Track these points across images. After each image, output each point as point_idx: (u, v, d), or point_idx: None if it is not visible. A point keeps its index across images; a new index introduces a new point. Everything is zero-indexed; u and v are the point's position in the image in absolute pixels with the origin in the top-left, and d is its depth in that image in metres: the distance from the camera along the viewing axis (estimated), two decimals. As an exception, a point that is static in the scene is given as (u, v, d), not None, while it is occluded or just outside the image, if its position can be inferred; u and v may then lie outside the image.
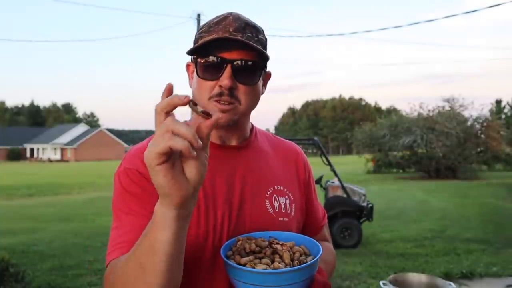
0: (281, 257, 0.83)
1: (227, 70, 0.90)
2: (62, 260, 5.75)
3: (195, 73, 0.96)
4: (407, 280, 1.48)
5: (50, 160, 60.99)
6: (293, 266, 0.81)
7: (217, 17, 0.96)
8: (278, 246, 0.86)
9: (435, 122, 18.87)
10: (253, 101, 0.97)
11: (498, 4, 9.32)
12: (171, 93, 0.64)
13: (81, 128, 67.69)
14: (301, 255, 0.86)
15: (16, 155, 62.96)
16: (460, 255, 5.86)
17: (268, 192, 1.01)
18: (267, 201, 1.00)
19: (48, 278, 4.93)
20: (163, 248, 0.67)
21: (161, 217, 0.66)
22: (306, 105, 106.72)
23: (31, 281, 4.53)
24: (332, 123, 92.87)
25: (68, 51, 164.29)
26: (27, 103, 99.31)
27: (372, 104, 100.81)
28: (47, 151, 64.24)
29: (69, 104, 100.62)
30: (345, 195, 6.79)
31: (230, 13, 0.96)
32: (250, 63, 0.92)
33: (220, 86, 0.91)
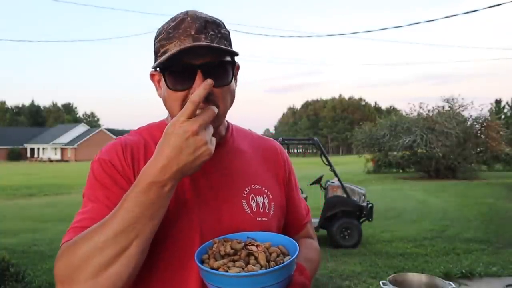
0: (256, 258, 0.81)
1: (198, 77, 0.85)
2: (63, 260, 5.75)
3: (163, 83, 0.91)
4: (407, 280, 1.49)
5: (50, 160, 61.01)
6: (268, 268, 0.79)
7: (173, 19, 0.90)
8: (254, 248, 0.83)
9: (435, 122, 18.86)
10: (230, 101, 0.94)
11: (498, 4, 9.28)
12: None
13: (81, 128, 67.73)
14: (278, 256, 0.83)
15: (17, 155, 62.97)
16: (460, 255, 5.87)
17: (245, 192, 0.99)
18: (244, 201, 0.97)
19: (48, 278, 4.92)
20: (161, 215, 0.78)
21: (171, 191, 0.76)
22: (306, 105, 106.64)
23: (32, 281, 4.53)
24: (332, 123, 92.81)
25: (68, 51, 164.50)
26: (27, 103, 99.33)
27: (372, 104, 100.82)
28: (48, 151, 64.25)
29: (69, 104, 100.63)
30: (345, 195, 6.80)
31: (187, 13, 0.89)
32: (220, 63, 0.88)
33: None
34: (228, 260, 0.80)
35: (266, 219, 0.98)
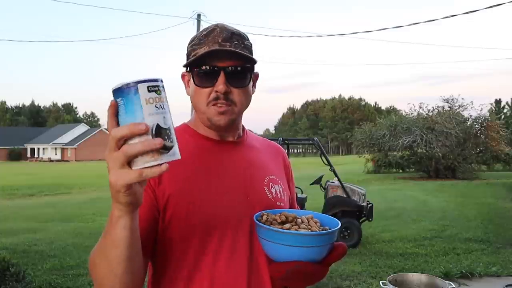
0: (308, 225, 0.96)
1: (221, 77, 1.01)
2: (63, 260, 5.76)
3: (191, 82, 1.06)
4: (407, 280, 1.49)
5: (50, 160, 61.00)
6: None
7: (205, 29, 1.06)
8: (304, 218, 0.98)
9: (435, 122, 18.84)
10: (246, 101, 1.08)
11: (498, 4, 9.29)
12: (116, 109, 0.69)
13: (82, 128, 67.72)
14: (321, 225, 0.98)
15: (17, 155, 62.94)
16: (460, 255, 5.86)
17: (266, 180, 1.12)
18: (266, 188, 1.11)
19: (48, 278, 4.93)
20: (124, 243, 0.79)
21: (120, 221, 0.77)
22: (306, 105, 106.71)
23: (32, 281, 4.53)
24: (332, 123, 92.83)
25: (68, 51, 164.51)
26: (27, 103, 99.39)
27: (372, 104, 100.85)
28: (48, 151, 64.23)
29: (69, 104, 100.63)
30: (345, 195, 6.80)
31: (217, 25, 1.06)
32: (240, 68, 1.03)
33: (216, 91, 1.01)
34: (291, 225, 0.94)
35: (283, 204, 1.13)
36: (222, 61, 1.01)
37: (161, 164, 0.67)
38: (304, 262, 0.88)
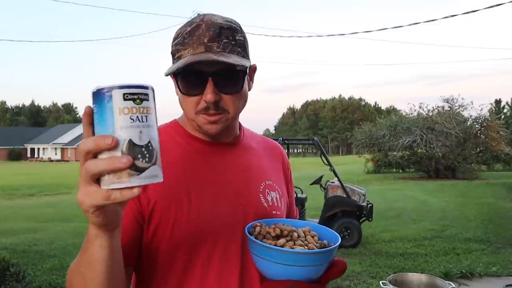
0: (303, 241, 0.87)
1: (209, 84, 0.88)
2: (63, 260, 5.75)
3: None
4: (407, 280, 1.49)
5: (50, 160, 61.00)
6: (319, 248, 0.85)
7: (190, 24, 0.92)
8: (300, 231, 0.89)
9: (435, 122, 18.84)
10: (241, 105, 0.97)
11: (498, 4, 9.29)
12: (91, 117, 0.60)
13: (82, 128, 67.59)
14: (319, 239, 0.89)
15: (17, 155, 62.98)
16: (460, 255, 5.87)
17: (261, 187, 1.03)
18: (261, 195, 1.02)
19: (48, 278, 4.93)
20: (101, 264, 0.70)
21: (97, 240, 0.68)
22: (306, 105, 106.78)
23: (32, 281, 4.53)
24: (332, 123, 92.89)
25: (68, 51, 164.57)
26: (27, 103, 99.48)
27: (372, 104, 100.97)
28: (48, 151, 64.26)
29: (69, 104, 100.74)
30: (345, 195, 6.80)
31: (202, 19, 0.91)
32: (231, 71, 0.90)
33: (205, 100, 0.90)
34: (286, 240, 0.85)
35: (279, 213, 1.04)
36: (209, 65, 0.87)
37: (133, 188, 0.57)
38: (299, 282, 0.80)
